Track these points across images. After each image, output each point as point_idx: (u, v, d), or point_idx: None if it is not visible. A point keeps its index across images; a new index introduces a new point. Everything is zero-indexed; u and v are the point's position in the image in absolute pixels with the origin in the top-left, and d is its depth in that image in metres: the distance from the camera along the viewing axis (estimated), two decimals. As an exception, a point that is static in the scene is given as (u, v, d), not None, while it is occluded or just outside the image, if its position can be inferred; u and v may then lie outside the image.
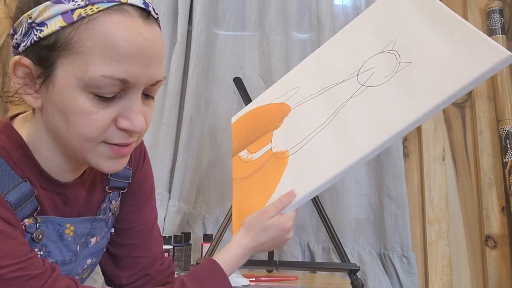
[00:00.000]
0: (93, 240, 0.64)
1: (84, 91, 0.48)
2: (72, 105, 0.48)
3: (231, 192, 1.47)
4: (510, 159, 1.39)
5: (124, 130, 0.51)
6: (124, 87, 0.49)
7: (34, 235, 0.54)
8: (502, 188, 1.43)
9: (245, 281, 1.00)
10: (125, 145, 0.53)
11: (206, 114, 1.46)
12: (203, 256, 1.03)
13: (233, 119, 0.97)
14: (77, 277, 0.63)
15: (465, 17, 1.55)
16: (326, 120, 0.75)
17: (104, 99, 0.49)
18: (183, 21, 1.44)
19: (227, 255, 0.68)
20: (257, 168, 0.81)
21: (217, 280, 0.65)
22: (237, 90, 1.23)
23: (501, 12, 1.49)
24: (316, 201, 1.09)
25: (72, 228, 0.59)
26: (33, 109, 0.55)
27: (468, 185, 1.47)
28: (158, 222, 0.75)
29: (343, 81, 0.78)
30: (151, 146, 1.43)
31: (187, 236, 1.30)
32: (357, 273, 1.00)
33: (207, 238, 1.29)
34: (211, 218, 1.41)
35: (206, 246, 1.25)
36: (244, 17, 1.52)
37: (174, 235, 1.28)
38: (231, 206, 1.08)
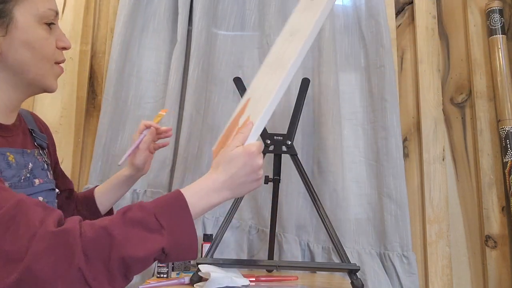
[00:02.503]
0: (36, 181, 0.80)
1: (39, 23, 0.74)
2: (35, 35, 0.73)
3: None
4: (510, 159, 1.39)
5: (62, 49, 0.79)
6: (54, 18, 0.76)
7: None
8: (502, 188, 1.43)
9: (245, 281, 0.99)
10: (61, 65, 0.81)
11: (206, 114, 1.46)
12: (203, 256, 1.03)
13: (213, 147, 0.98)
14: None
15: (465, 17, 1.55)
16: (273, 66, 0.85)
17: (49, 27, 0.76)
18: (183, 21, 1.44)
19: (194, 186, 0.67)
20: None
21: (176, 204, 0.63)
22: (237, 90, 1.23)
23: (501, 12, 1.49)
24: (316, 201, 1.09)
25: (12, 156, 0.75)
26: None
27: (468, 185, 1.47)
28: None
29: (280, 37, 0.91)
30: (151, 146, 1.43)
31: (187, 236, 1.30)
32: (357, 273, 1.00)
33: (207, 238, 1.29)
34: (211, 218, 1.41)
35: (206, 246, 1.25)
36: (244, 17, 1.51)
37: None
38: (231, 206, 1.08)
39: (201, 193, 0.66)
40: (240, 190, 0.70)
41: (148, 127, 1.01)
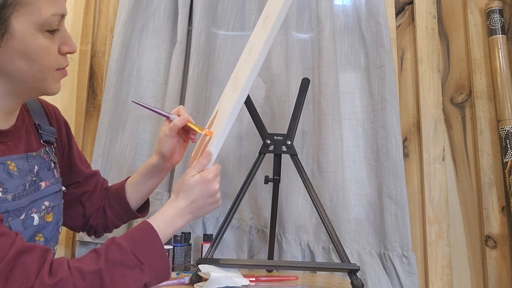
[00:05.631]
0: (42, 184, 0.77)
1: (40, 32, 0.65)
2: (34, 45, 0.65)
3: (230, 192, 1.47)
4: (510, 159, 1.39)
5: (66, 54, 0.71)
6: (60, 21, 0.68)
7: None
8: (502, 188, 1.43)
9: (245, 281, 0.99)
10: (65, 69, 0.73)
11: (206, 114, 1.46)
12: (203, 256, 1.03)
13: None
14: (38, 215, 0.73)
15: (465, 17, 1.55)
16: (233, 83, 0.88)
17: (52, 33, 0.67)
18: (183, 21, 1.44)
19: (160, 215, 0.74)
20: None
21: (148, 237, 0.69)
22: (237, 90, 1.23)
23: (501, 12, 1.49)
24: (316, 201, 1.09)
25: (13, 164, 0.70)
26: None
27: (468, 185, 1.47)
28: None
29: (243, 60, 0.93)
30: (151, 145, 1.43)
31: (187, 236, 1.30)
32: (357, 273, 1.00)
33: (207, 238, 1.29)
34: (211, 218, 1.41)
35: (206, 246, 1.25)
36: (244, 17, 1.51)
37: (174, 235, 1.28)
38: (231, 206, 1.08)
39: (167, 221, 0.74)
40: (201, 212, 0.79)
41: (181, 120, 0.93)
